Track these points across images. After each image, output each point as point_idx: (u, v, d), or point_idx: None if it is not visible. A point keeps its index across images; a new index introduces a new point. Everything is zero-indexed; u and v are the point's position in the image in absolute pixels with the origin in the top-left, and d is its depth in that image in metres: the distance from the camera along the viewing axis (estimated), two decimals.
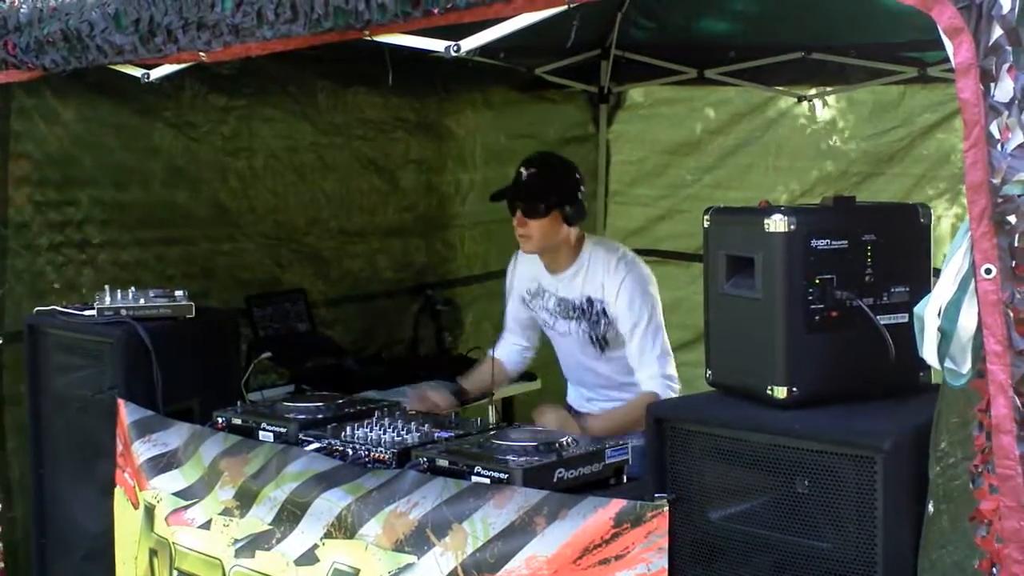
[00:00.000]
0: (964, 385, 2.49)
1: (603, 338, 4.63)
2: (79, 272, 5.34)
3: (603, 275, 4.55)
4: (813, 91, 6.53)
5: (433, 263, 6.92)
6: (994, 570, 2.34)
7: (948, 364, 2.50)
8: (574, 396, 4.96)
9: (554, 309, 4.72)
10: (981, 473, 2.36)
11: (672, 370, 4.50)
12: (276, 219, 6.13)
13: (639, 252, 6.21)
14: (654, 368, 4.47)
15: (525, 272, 4.84)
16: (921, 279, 3.05)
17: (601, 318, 4.57)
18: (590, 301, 4.59)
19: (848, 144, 6.55)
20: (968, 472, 2.39)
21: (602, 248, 4.67)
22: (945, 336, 2.46)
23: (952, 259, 2.44)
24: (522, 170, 4.58)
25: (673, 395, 4.38)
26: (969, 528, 2.39)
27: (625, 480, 3.54)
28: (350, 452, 3.68)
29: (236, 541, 3.79)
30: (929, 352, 2.50)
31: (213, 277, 5.87)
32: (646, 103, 7.34)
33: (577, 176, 4.67)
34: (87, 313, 4.64)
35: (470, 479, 3.36)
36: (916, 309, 2.51)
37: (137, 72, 4.39)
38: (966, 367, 2.46)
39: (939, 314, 2.45)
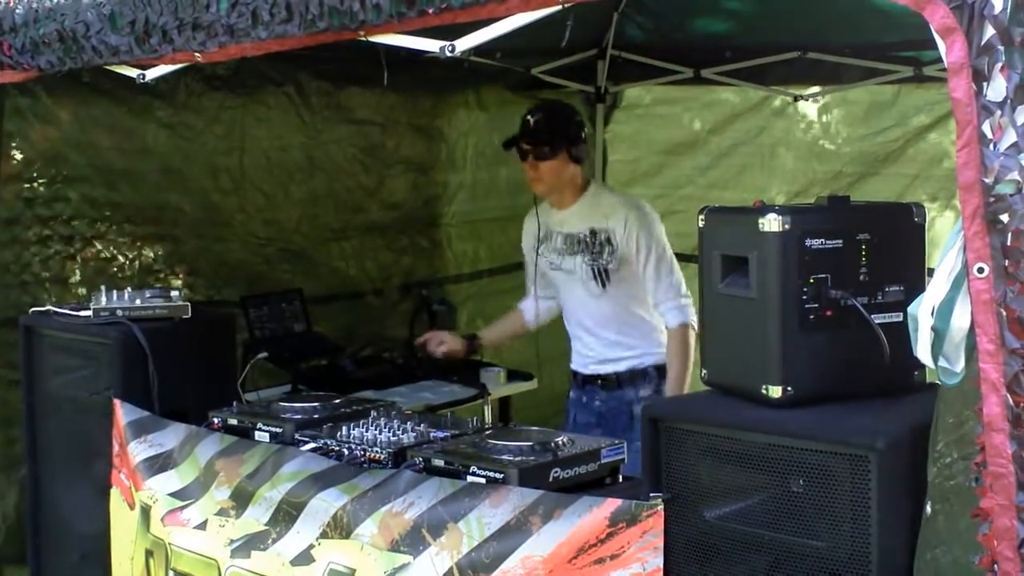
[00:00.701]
0: (959, 383, 2.50)
1: (605, 271, 4.88)
2: (64, 265, 5.37)
3: (607, 206, 4.90)
4: (808, 91, 6.53)
5: (427, 263, 6.96)
6: (995, 567, 2.35)
7: (942, 363, 2.50)
8: (578, 352, 5.15)
9: (560, 247, 5.00)
10: (983, 471, 2.36)
11: (684, 286, 4.87)
12: (266, 217, 6.16)
13: None
14: (671, 293, 4.84)
15: (533, 225, 5.16)
16: (915, 278, 3.05)
17: (604, 247, 4.85)
18: (593, 232, 4.90)
19: (843, 144, 6.55)
20: (963, 472, 2.40)
21: (605, 187, 5.27)
22: (938, 335, 2.46)
23: (945, 258, 2.44)
24: (528, 117, 4.93)
25: (691, 311, 4.77)
26: (965, 527, 2.40)
27: (621, 479, 3.54)
28: (346, 452, 3.67)
29: (232, 541, 3.79)
30: (923, 351, 2.50)
31: (199, 273, 5.89)
32: (642, 103, 7.35)
33: (579, 119, 5.07)
34: (83, 314, 4.64)
35: (466, 479, 3.36)
36: (910, 308, 2.52)
37: (132, 73, 4.39)
38: (959, 366, 2.46)
39: (932, 313, 2.46)
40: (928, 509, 2.49)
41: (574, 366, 5.16)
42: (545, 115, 4.95)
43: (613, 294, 4.93)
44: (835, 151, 6.59)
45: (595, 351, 5.03)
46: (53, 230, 5.33)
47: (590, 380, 5.06)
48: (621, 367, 4.97)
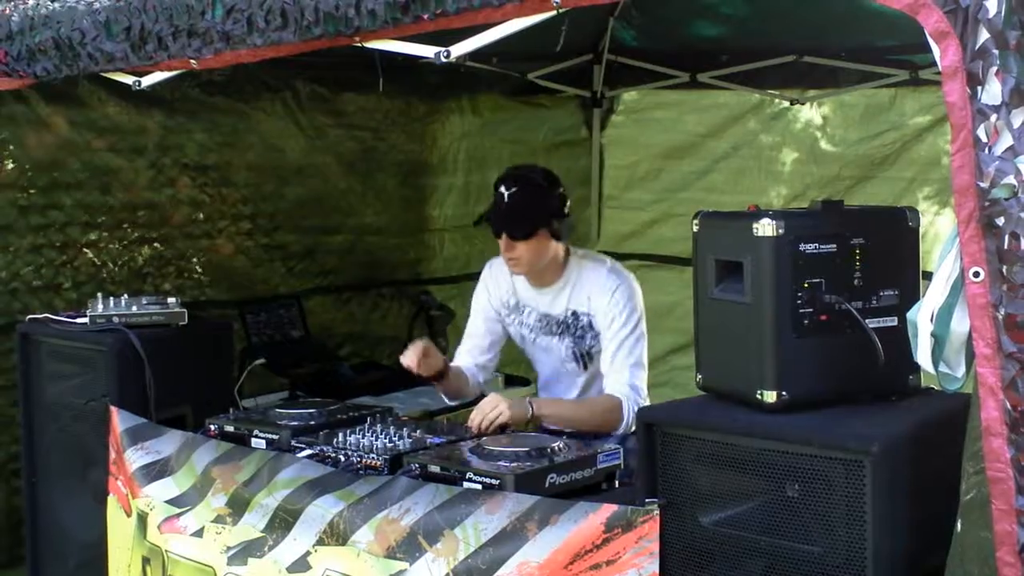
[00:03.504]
0: (959, 389, 2.50)
1: (587, 353, 4.52)
2: (58, 272, 5.36)
3: (591, 287, 4.43)
4: (805, 94, 6.53)
5: (420, 265, 6.97)
6: None
7: (943, 368, 2.50)
8: None
9: (535, 325, 4.59)
10: None
11: (641, 383, 4.36)
12: (259, 220, 6.19)
13: (632, 257, 6.16)
14: (624, 375, 4.33)
15: (500, 285, 4.70)
16: (910, 282, 3.06)
17: (587, 332, 4.46)
18: (575, 315, 4.47)
19: (839, 147, 6.55)
20: (976, 486, 2.39)
21: (589, 260, 4.54)
22: (938, 341, 2.46)
23: (943, 264, 2.44)
24: (502, 190, 4.37)
25: (635, 409, 4.19)
26: (974, 541, 2.39)
27: (617, 485, 3.54)
28: (342, 459, 3.67)
29: (229, 548, 3.78)
30: (923, 357, 2.50)
31: (186, 275, 5.90)
32: (639, 107, 7.35)
33: (561, 189, 4.47)
34: (79, 321, 4.64)
35: (462, 485, 3.36)
36: (909, 314, 2.52)
37: (128, 79, 4.39)
38: (960, 371, 2.47)
39: (932, 319, 2.46)
40: (958, 526, 2.48)
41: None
42: (522, 187, 4.36)
43: (593, 371, 4.53)
44: (832, 155, 6.58)
45: None
46: (47, 239, 5.34)
47: (555, 432, 4.54)
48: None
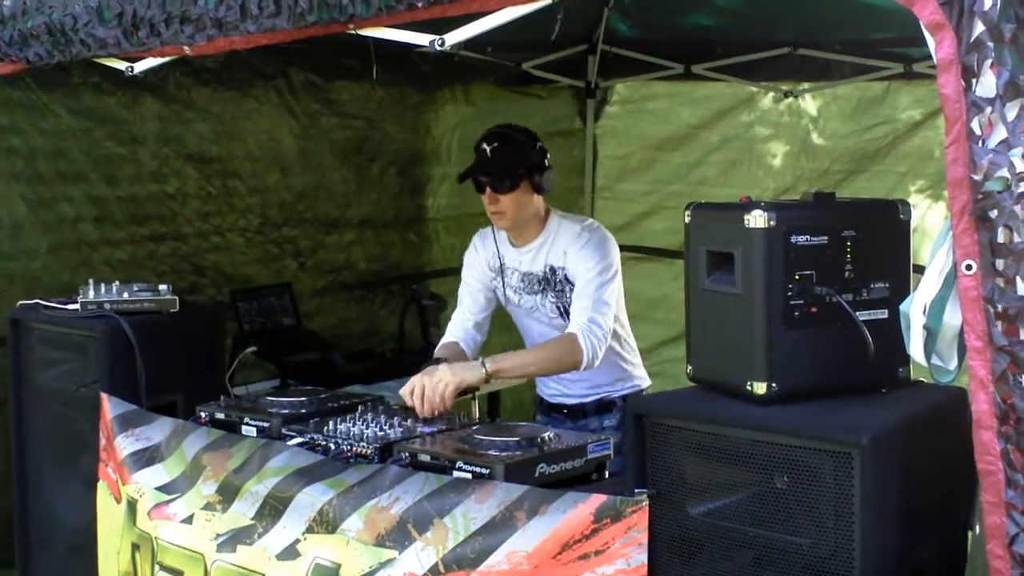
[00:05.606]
0: (952, 382, 2.51)
1: (570, 307, 4.48)
2: (76, 274, 5.31)
3: (566, 242, 4.47)
4: (799, 87, 6.53)
5: (415, 256, 6.97)
6: None
7: (935, 361, 2.51)
8: (542, 380, 4.82)
9: (518, 285, 4.63)
10: None
11: (603, 320, 4.30)
12: (261, 212, 6.16)
13: (624, 249, 6.15)
14: (585, 311, 4.30)
15: (487, 248, 4.73)
16: (901, 275, 3.05)
17: (565, 286, 4.49)
18: (552, 270, 4.51)
19: (832, 140, 6.56)
20: None
21: (568, 219, 4.59)
22: (931, 333, 2.46)
23: (936, 257, 2.44)
24: (484, 146, 4.48)
25: (595, 341, 4.22)
26: (980, 539, 2.40)
27: (607, 475, 3.54)
28: (332, 447, 3.67)
29: (218, 535, 3.78)
30: (916, 349, 2.51)
31: (203, 273, 5.88)
32: (633, 98, 7.35)
33: (539, 144, 4.56)
34: (71, 307, 4.63)
35: (451, 474, 3.36)
36: (902, 307, 2.52)
37: (121, 65, 4.39)
38: (953, 363, 2.47)
39: (924, 312, 2.46)
40: (976, 529, 2.48)
41: (539, 391, 4.87)
42: (503, 142, 4.48)
43: None
44: (825, 147, 6.59)
45: (562, 383, 4.73)
46: (61, 236, 5.31)
47: (555, 408, 4.79)
48: (588, 399, 4.69)
